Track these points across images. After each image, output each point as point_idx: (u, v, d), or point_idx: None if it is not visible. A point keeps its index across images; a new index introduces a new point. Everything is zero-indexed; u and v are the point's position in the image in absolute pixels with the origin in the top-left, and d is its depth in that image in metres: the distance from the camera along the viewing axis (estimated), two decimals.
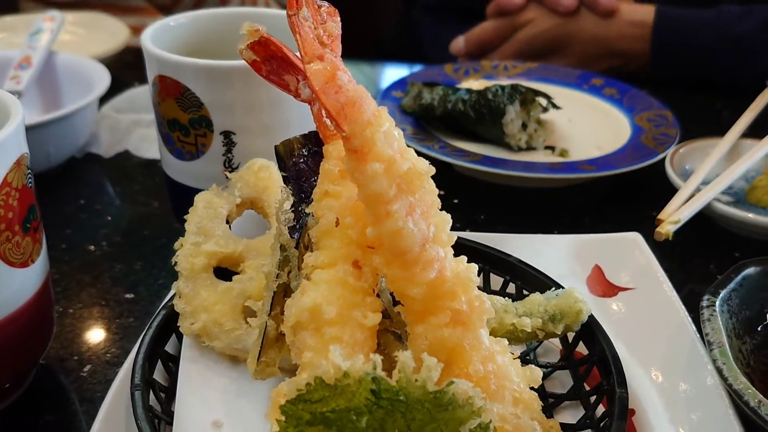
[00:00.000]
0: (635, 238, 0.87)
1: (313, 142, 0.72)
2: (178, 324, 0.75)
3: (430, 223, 0.62)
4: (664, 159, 1.15)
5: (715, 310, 0.71)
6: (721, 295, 0.74)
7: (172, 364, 0.75)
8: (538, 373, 0.65)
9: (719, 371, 0.66)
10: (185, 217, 0.80)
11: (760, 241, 1.04)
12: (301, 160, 0.72)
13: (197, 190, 0.91)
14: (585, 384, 0.74)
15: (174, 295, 0.77)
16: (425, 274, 0.62)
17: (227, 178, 0.85)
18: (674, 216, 0.97)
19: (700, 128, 1.26)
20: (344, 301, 0.62)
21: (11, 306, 0.72)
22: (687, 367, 0.73)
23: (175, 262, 0.77)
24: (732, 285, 0.75)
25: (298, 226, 0.69)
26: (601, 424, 0.68)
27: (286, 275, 0.68)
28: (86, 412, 0.80)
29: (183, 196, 0.96)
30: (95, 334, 0.91)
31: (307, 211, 0.68)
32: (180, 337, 0.77)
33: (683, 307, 0.79)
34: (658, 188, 1.14)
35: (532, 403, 0.64)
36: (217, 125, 0.88)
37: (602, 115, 1.36)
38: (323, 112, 0.67)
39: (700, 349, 0.74)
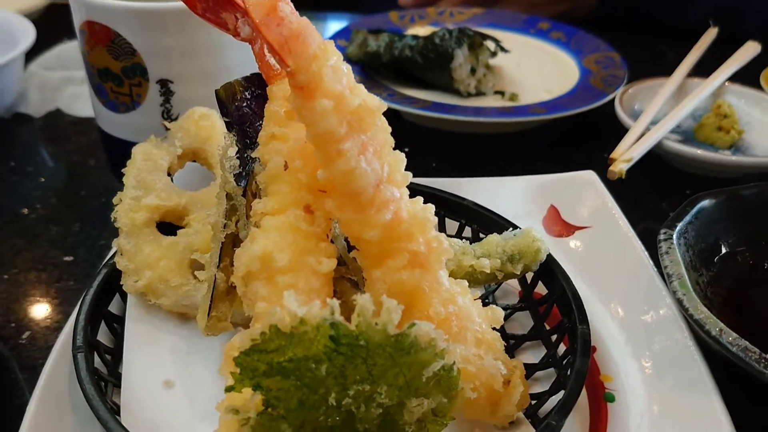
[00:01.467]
0: (590, 176, 0.86)
1: (256, 85, 0.68)
2: (121, 283, 0.71)
3: (384, 163, 0.59)
4: (613, 100, 1.14)
5: (672, 243, 0.71)
6: (677, 228, 0.73)
7: (117, 325, 0.71)
8: (500, 313, 0.64)
9: (680, 302, 0.65)
10: (123, 170, 0.75)
11: (709, 178, 1.05)
12: (244, 104, 0.68)
13: (133, 145, 0.86)
14: (545, 324, 0.73)
15: (115, 252, 0.73)
16: (380, 216, 0.59)
17: (166, 129, 0.81)
18: (626, 155, 0.96)
19: (647, 69, 1.25)
20: (296, 247, 0.59)
21: None
22: (646, 300, 0.73)
23: (115, 218, 0.73)
24: (687, 218, 0.75)
25: (244, 173, 0.66)
26: (564, 362, 0.67)
27: (234, 225, 0.65)
28: (27, 380, 0.75)
29: (120, 152, 0.90)
30: (33, 300, 0.86)
31: (252, 156, 0.64)
32: (124, 296, 0.73)
33: (640, 243, 0.78)
34: (608, 129, 1.13)
35: (494, 343, 0.63)
36: (153, 73, 0.83)
37: (550, 59, 1.35)
38: (265, 48, 0.63)
39: (658, 282, 0.73)
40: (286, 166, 0.61)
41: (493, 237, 0.73)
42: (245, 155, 0.66)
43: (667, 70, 1.22)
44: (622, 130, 1.06)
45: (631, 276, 0.76)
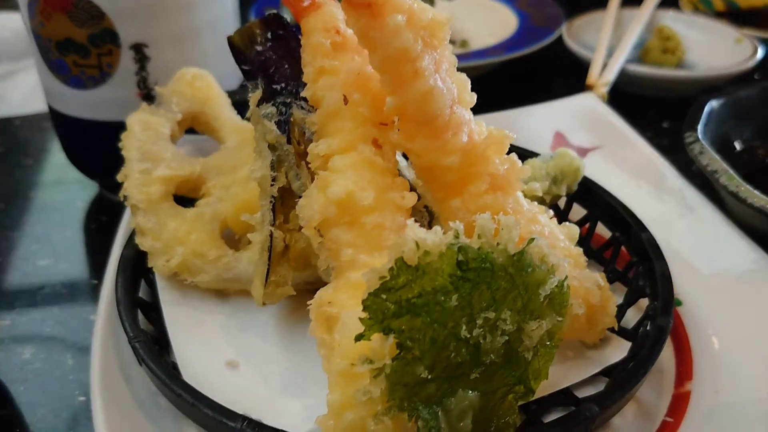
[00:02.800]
0: (589, 98, 0.86)
1: (276, 25, 0.62)
2: (149, 265, 0.63)
3: (453, 82, 0.55)
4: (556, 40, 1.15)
5: (703, 144, 0.71)
6: (699, 129, 0.74)
7: (153, 314, 0.63)
8: (575, 229, 0.62)
9: (734, 195, 0.66)
10: (120, 144, 0.67)
11: (664, 99, 1.08)
12: (266, 48, 0.62)
13: (106, 125, 0.78)
14: (591, 244, 0.72)
15: (132, 235, 0.65)
16: (457, 140, 0.55)
17: (148, 98, 0.73)
18: (602, 80, 0.97)
19: (579, 6, 1.27)
20: (377, 184, 0.54)
21: None
22: (681, 205, 0.73)
23: (125, 197, 0.64)
24: (703, 120, 0.76)
25: (283, 121, 0.60)
26: (630, 274, 0.66)
27: (284, 177, 0.59)
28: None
29: (86, 135, 0.81)
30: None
31: (288, 101, 0.58)
32: (149, 281, 0.65)
33: (657, 152, 0.79)
34: (557, 69, 1.14)
35: (580, 258, 0.61)
36: (125, 38, 0.74)
37: (484, 9, 1.34)
38: None
39: (689, 188, 0.74)
40: (345, 100, 0.56)
41: (534, 161, 0.71)
42: (278, 101, 0.60)
43: (598, 4, 1.25)
44: (572, 67, 1.07)
45: (657, 185, 0.76)
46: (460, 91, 0.56)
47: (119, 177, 0.65)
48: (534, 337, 0.52)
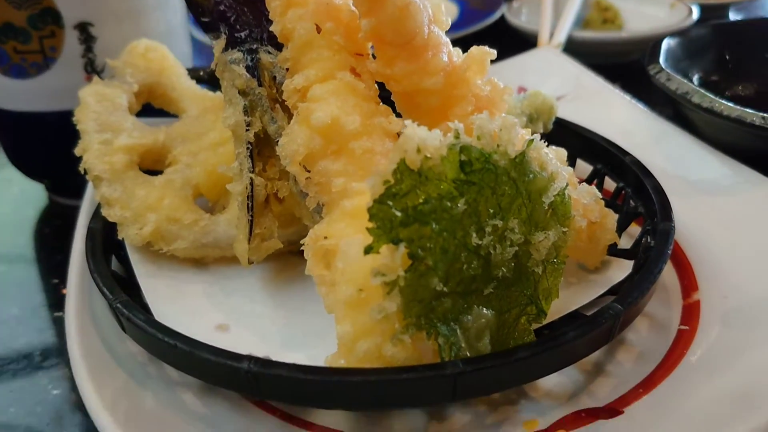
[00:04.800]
0: (548, 51, 0.86)
1: None
2: (119, 237, 0.58)
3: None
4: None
5: (669, 72, 0.72)
6: (660, 61, 0.74)
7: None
8: (563, 151, 0.60)
9: (709, 111, 0.66)
10: (74, 119, 0.63)
11: (615, 65, 1.09)
12: None
13: (53, 117, 0.73)
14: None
15: (98, 210, 0.60)
16: (438, 60, 0.53)
17: (91, 75, 0.69)
18: (553, 42, 0.98)
19: None
20: (361, 109, 0.52)
21: None
22: (656, 135, 0.73)
23: (86, 169, 0.60)
24: (662, 56, 0.76)
25: (251, 65, 0.57)
26: (618, 200, 0.65)
27: (258, 121, 0.56)
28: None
29: (31, 131, 0.76)
30: None
31: (270, 29, 0.56)
32: (121, 258, 0.60)
33: (620, 90, 0.79)
34: (505, 50, 1.15)
35: (572, 178, 0.59)
36: (68, 17, 0.70)
37: None
38: None
39: (657, 119, 0.74)
40: (318, 29, 0.53)
41: (508, 100, 0.69)
42: (244, 48, 0.57)
43: None
44: (522, 45, 1.08)
45: (628, 121, 0.76)
46: (434, 10, 0.54)
47: (77, 151, 0.61)
48: (542, 250, 0.50)
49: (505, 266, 0.48)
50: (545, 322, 0.51)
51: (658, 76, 0.72)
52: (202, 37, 1.06)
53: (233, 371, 0.43)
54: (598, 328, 0.46)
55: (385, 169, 0.43)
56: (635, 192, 0.63)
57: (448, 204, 0.45)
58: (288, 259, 0.62)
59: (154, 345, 0.47)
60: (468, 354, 0.46)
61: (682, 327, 0.55)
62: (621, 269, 0.59)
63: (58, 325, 0.65)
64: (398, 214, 0.43)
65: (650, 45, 0.79)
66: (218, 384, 0.46)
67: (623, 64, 1.11)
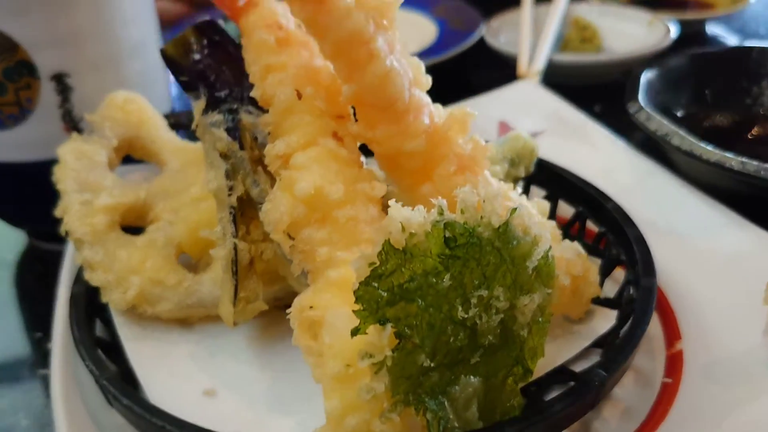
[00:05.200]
0: (528, 84, 0.86)
1: (211, 31, 0.59)
2: (103, 300, 0.58)
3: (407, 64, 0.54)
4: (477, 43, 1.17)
5: (648, 111, 0.72)
6: (640, 99, 0.75)
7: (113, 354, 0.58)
8: (545, 204, 0.61)
9: (689, 154, 0.66)
10: (54, 178, 0.62)
11: (588, 86, 1.10)
12: (202, 56, 0.59)
13: (31, 167, 0.72)
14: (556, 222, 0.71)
15: (80, 272, 0.60)
16: (420, 123, 0.53)
17: (75, 130, 0.68)
18: (531, 69, 0.98)
19: (489, 10, 1.29)
20: (344, 176, 0.52)
21: None
22: (633, 176, 0.74)
23: (67, 231, 0.59)
24: (641, 92, 0.77)
25: (232, 127, 0.56)
26: (600, 245, 0.65)
27: (241, 185, 0.55)
28: None
29: (9, 181, 0.75)
30: None
31: (250, 95, 0.55)
32: (104, 320, 0.60)
33: (601, 127, 0.79)
34: (484, 71, 1.15)
35: (555, 231, 0.59)
36: (44, 68, 0.69)
37: (402, 21, 1.34)
38: None
39: (638, 156, 0.75)
40: (299, 95, 0.53)
41: (488, 145, 0.69)
42: (224, 108, 0.57)
43: (510, 4, 1.27)
44: (500, 65, 1.08)
45: (609, 159, 0.76)
46: (415, 73, 0.54)
47: (57, 212, 0.60)
48: (527, 313, 0.50)
49: (492, 333, 0.48)
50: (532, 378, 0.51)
51: (638, 115, 0.72)
52: None
53: None
54: (584, 396, 0.47)
55: (371, 250, 0.43)
56: (617, 238, 0.63)
57: (434, 280, 0.45)
58: (274, 315, 0.62)
59: (142, 424, 0.47)
60: (456, 425, 0.47)
61: (666, 380, 0.56)
62: (605, 319, 0.60)
63: (44, 383, 0.64)
64: (384, 294, 0.43)
65: (629, 79, 0.80)
66: None
67: (602, 84, 1.11)
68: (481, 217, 0.47)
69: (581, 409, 0.48)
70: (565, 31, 1.20)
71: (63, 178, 0.61)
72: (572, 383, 0.55)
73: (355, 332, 0.43)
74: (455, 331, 0.47)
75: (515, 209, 0.49)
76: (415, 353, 0.44)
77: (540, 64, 0.99)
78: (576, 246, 0.57)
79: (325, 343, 0.47)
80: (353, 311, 0.43)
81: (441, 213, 0.45)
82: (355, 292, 0.43)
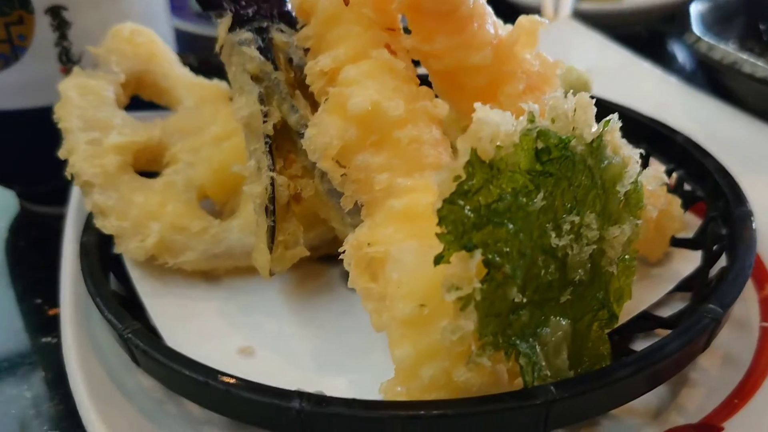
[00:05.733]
0: (567, 23, 0.79)
1: None
2: (117, 251, 0.50)
3: None
4: None
5: (709, 41, 0.66)
6: (694, 29, 0.68)
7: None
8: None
9: (764, 81, 0.60)
10: (55, 116, 0.54)
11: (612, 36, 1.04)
12: None
13: (23, 115, 0.65)
14: None
15: (88, 220, 0.52)
16: (485, 32, 0.46)
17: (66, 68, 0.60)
18: (559, 13, 0.91)
19: None
20: (403, 92, 0.44)
21: None
22: (693, 109, 0.67)
23: (73, 174, 0.52)
24: (694, 22, 0.70)
25: (264, 47, 0.49)
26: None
27: (277, 111, 0.48)
28: None
29: None
30: None
31: (285, 8, 0.48)
32: (118, 276, 0.52)
33: (649, 63, 0.73)
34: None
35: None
36: (39, 0, 0.61)
37: None
38: None
39: (693, 91, 0.68)
40: (345, 1, 0.46)
41: (559, 61, 0.62)
42: (254, 27, 0.50)
43: None
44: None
45: (666, 94, 0.70)
46: None
47: (61, 153, 0.53)
48: (617, 247, 0.43)
49: (582, 267, 0.42)
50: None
51: (698, 46, 0.66)
52: (182, 24, 0.97)
53: (281, 411, 0.36)
54: (698, 337, 0.40)
55: (455, 162, 0.36)
56: (690, 174, 0.57)
57: (524, 200, 0.38)
58: (309, 267, 0.55)
59: (178, 382, 0.39)
60: (548, 373, 0.40)
61: (764, 324, 0.49)
62: (686, 261, 0.53)
63: (48, 352, 0.56)
64: (471, 215, 0.36)
65: (673, 13, 0.73)
66: (261, 425, 0.39)
67: (623, 36, 1.05)
68: (574, 128, 0.40)
69: (694, 352, 0.41)
70: None
71: (66, 115, 0.53)
72: (660, 329, 0.49)
73: (438, 260, 0.36)
74: (546, 262, 0.40)
75: (608, 121, 0.42)
76: (507, 285, 0.37)
77: (566, 9, 0.92)
78: (660, 174, 0.50)
79: (393, 282, 0.40)
80: (437, 235, 0.36)
81: (532, 120, 0.38)
82: (438, 212, 0.36)
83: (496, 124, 0.36)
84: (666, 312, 0.50)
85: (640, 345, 0.48)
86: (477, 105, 0.37)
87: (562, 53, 0.75)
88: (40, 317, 0.61)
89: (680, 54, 1.07)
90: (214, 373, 0.38)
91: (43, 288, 0.63)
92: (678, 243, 0.54)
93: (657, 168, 0.55)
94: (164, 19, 0.72)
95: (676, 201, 0.52)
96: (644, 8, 1.04)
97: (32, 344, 0.58)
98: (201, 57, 0.67)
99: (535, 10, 0.99)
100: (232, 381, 0.37)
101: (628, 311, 0.49)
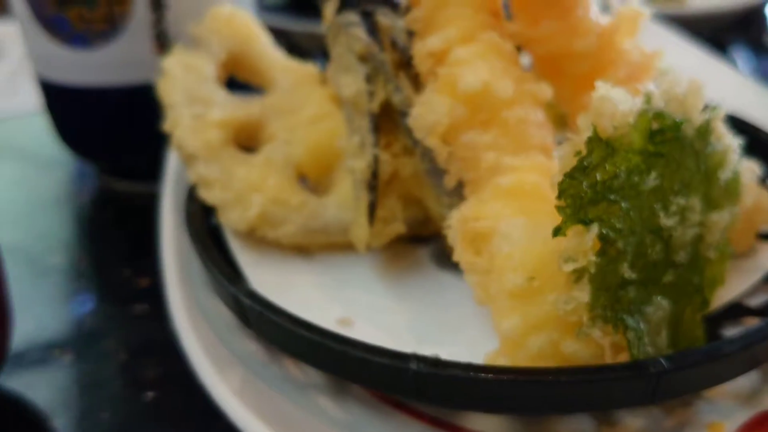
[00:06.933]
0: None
1: None
2: (220, 220, 0.52)
3: None
4: None
5: None
6: None
7: None
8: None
9: None
10: (159, 91, 0.56)
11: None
12: None
13: (115, 93, 0.67)
14: None
15: (191, 192, 0.54)
16: (589, 20, 0.48)
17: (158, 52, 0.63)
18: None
19: None
20: (511, 74, 0.46)
21: None
22: None
23: (179, 145, 0.54)
24: None
25: (370, 29, 0.51)
26: None
27: (382, 90, 0.50)
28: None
29: (90, 107, 0.69)
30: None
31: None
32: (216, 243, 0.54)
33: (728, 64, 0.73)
34: None
35: None
36: None
37: None
38: None
39: None
40: None
41: (658, 52, 0.63)
42: (359, 9, 0.51)
43: None
44: None
45: (741, 95, 0.70)
46: None
47: (166, 126, 0.55)
48: (716, 232, 0.44)
49: (684, 249, 0.43)
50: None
51: None
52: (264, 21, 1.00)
53: (399, 372, 0.38)
54: None
55: (577, 137, 0.37)
56: None
57: (636, 179, 0.39)
58: (399, 247, 0.56)
59: (294, 342, 0.41)
60: (650, 350, 0.41)
61: None
62: None
63: (142, 320, 0.59)
64: (588, 190, 0.37)
65: (738, 18, 0.74)
66: (375, 386, 0.40)
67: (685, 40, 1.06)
68: (684, 112, 0.41)
69: None
70: None
71: (170, 90, 0.55)
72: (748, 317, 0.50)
73: (556, 232, 0.37)
74: (653, 241, 0.41)
75: (715, 108, 0.43)
76: (618, 261, 0.38)
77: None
78: (754, 167, 0.51)
79: (502, 255, 0.41)
80: (557, 207, 0.37)
81: (648, 101, 0.39)
82: (559, 185, 0.37)
83: (617, 103, 0.37)
84: (753, 302, 0.51)
85: (728, 332, 0.49)
86: (598, 83, 0.38)
87: None
88: (130, 287, 0.63)
89: (743, 60, 1.07)
90: (331, 334, 0.39)
91: (131, 260, 0.65)
92: (765, 237, 0.55)
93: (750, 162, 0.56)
94: (249, 4, 0.74)
95: (766, 195, 0.53)
96: (710, 13, 1.04)
97: (124, 313, 0.60)
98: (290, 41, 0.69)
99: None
100: (351, 342, 0.39)
101: (716, 299, 0.50)
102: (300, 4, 1.12)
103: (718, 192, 0.44)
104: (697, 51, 0.77)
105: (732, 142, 0.45)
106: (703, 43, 0.81)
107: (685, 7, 1.12)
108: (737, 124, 0.60)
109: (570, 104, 0.50)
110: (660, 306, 0.42)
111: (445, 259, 0.55)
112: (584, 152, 0.37)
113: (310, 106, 0.58)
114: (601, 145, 0.38)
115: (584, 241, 0.37)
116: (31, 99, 0.82)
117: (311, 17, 1.05)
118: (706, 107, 0.43)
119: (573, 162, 0.37)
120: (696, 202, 0.42)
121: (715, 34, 1.02)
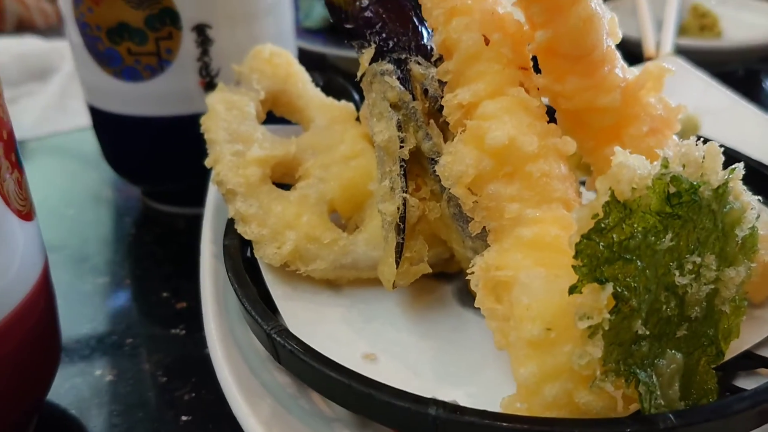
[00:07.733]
0: (674, 60, 0.81)
1: None
2: (256, 255, 0.55)
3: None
4: None
5: None
6: None
7: None
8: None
9: None
10: (202, 127, 0.59)
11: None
12: (369, 2, 0.56)
13: (162, 122, 0.70)
14: None
15: (229, 225, 0.57)
16: (614, 76, 0.50)
17: (211, 88, 0.66)
18: (661, 50, 0.93)
19: None
20: (536, 129, 0.48)
21: (17, 290, 0.46)
22: None
23: (220, 181, 0.57)
24: None
25: (403, 77, 0.53)
26: None
27: (413, 137, 0.52)
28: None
29: (137, 135, 0.73)
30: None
31: (425, 43, 0.52)
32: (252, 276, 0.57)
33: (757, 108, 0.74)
34: None
35: None
36: (187, 18, 0.67)
37: None
38: None
39: None
40: (486, 41, 0.49)
41: (681, 106, 0.65)
42: (393, 58, 0.54)
43: None
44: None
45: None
46: (610, 23, 0.50)
47: (207, 162, 0.58)
48: (731, 287, 0.46)
49: (699, 305, 0.44)
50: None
51: None
52: (303, 43, 1.03)
53: (419, 416, 0.40)
54: None
55: (595, 201, 0.39)
56: None
57: (653, 239, 0.41)
58: (424, 283, 0.58)
59: (321, 381, 0.43)
60: (662, 402, 0.43)
61: None
62: None
63: (178, 343, 0.62)
64: (604, 250, 0.39)
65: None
66: (396, 427, 0.43)
67: (720, 73, 1.06)
68: (702, 175, 0.43)
69: None
70: (683, 18, 1.15)
71: (213, 127, 0.58)
72: (762, 368, 0.51)
73: (572, 290, 0.39)
74: (668, 298, 0.43)
75: (734, 169, 0.45)
76: (632, 318, 0.40)
77: (668, 45, 0.94)
78: None
79: (522, 305, 0.43)
80: (573, 266, 0.39)
81: (666, 165, 0.41)
82: (576, 245, 0.39)
83: (635, 168, 0.39)
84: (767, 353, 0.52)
85: (742, 382, 0.50)
86: (617, 149, 0.40)
87: (665, 90, 0.77)
88: (169, 310, 0.66)
89: None
90: (357, 376, 0.42)
91: (171, 284, 0.69)
92: None
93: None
94: (291, 41, 0.77)
95: None
96: (745, 46, 1.05)
97: (162, 335, 0.63)
98: (326, 76, 0.72)
99: (636, 45, 1.01)
100: (374, 385, 0.41)
101: (732, 349, 0.52)
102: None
103: (734, 248, 0.46)
104: (726, 92, 0.78)
105: (750, 200, 0.46)
106: (738, 74, 0.82)
107: (720, 38, 1.13)
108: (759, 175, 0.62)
109: (593, 155, 0.52)
110: (673, 359, 0.43)
111: (467, 296, 0.57)
112: (601, 215, 0.39)
113: (344, 144, 0.61)
114: (618, 206, 0.40)
115: (599, 299, 0.39)
116: (81, 116, 0.86)
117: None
118: (725, 167, 0.44)
119: (590, 224, 0.39)
120: (712, 259, 0.44)
121: (750, 65, 1.03)
